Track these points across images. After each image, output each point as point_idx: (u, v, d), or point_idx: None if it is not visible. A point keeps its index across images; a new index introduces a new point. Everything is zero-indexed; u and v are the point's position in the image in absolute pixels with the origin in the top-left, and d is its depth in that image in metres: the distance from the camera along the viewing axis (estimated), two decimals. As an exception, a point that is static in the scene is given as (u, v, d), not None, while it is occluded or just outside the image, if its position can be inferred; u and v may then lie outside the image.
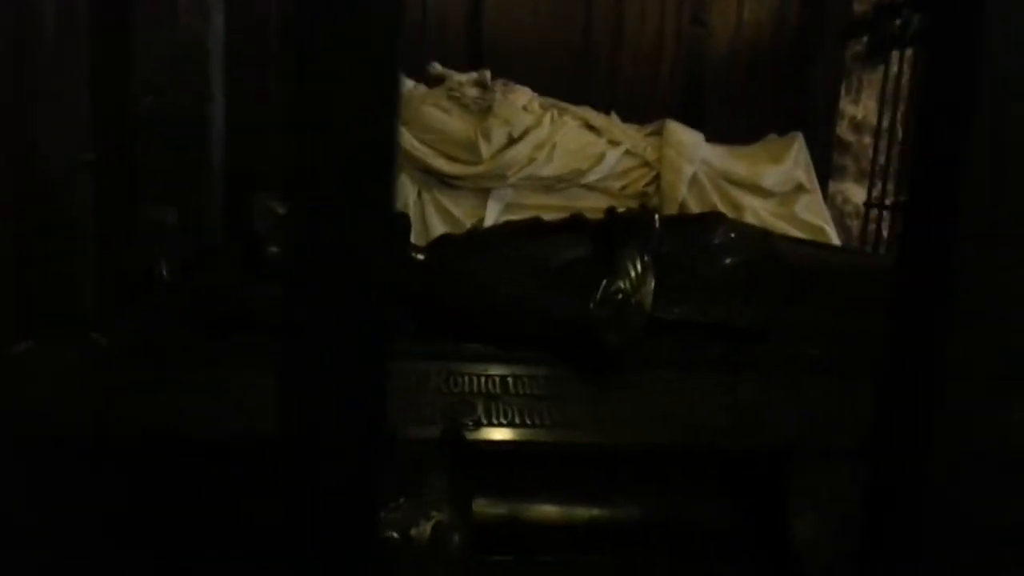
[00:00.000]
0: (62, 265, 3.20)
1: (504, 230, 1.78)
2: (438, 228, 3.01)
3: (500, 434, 1.30)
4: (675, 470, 1.34)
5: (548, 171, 3.13)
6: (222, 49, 3.82)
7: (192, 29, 3.66)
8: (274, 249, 1.58)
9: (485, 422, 1.30)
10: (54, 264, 3.11)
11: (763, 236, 1.73)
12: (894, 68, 3.77)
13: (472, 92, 3.25)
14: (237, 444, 1.22)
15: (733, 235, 1.65)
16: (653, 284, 1.45)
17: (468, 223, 3.03)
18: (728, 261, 1.61)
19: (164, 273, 1.84)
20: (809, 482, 1.30)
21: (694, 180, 3.18)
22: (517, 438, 1.29)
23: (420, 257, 1.70)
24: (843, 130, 4.03)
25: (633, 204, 3.18)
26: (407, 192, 3.08)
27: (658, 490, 1.35)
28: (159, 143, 3.64)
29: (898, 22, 3.70)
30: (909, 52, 3.69)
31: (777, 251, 1.65)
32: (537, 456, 1.32)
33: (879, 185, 3.78)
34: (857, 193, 4.00)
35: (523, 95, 3.26)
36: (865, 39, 3.95)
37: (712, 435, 1.34)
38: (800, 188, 3.28)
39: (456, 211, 3.07)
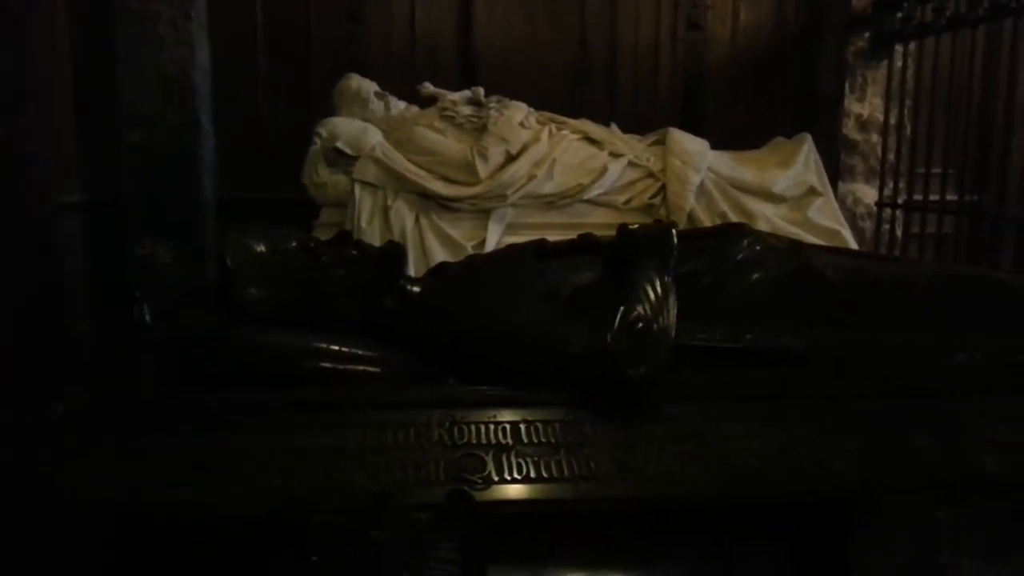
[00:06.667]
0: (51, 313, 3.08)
1: (507, 254, 1.63)
2: (438, 253, 2.89)
3: (514, 492, 1.13)
4: (719, 524, 1.18)
5: (549, 188, 3.01)
6: (208, 78, 3.73)
7: (177, 59, 3.56)
8: (253, 291, 1.44)
9: (496, 479, 1.13)
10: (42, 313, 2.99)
11: (793, 248, 1.57)
12: (898, 63, 3.67)
13: (466, 111, 3.14)
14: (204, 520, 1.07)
15: (759, 248, 1.50)
16: (676, 308, 1.30)
17: (469, 246, 2.91)
18: (756, 278, 1.46)
19: (147, 317, 1.69)
20: (879, 532, 1.14)
21: (702, 189, 3.06)
22: (534, 496, 1.12)
23: (415, 289, 1.56)
24: (850, 129, 3.92)
25: (639, 217, 3.06)
26: (404, 217, 2.96)
27: (699, 549, 1.19)
28: (149, 177, 3.53)
29: (899, 15, 3.60)
30: (913, 46, 3.58)
31: (811, 264, 1.49)
32: (558, 516, 1.16)
33: (890, 184, 3.66)
34: (868, 193, 3.89)
35: (519, 111, 3.14)
36: (867, 35, 3.83)
37: (762, 481, 1.17)
38: (812, 191, 3.15)
39: (456, 234, 2.95)
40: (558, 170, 3.02)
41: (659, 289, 1.32)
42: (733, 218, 3.01)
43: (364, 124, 3.12)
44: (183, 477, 1.15)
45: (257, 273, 1.47)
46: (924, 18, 3.43)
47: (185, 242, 3.61)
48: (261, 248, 1.50)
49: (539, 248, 1.58)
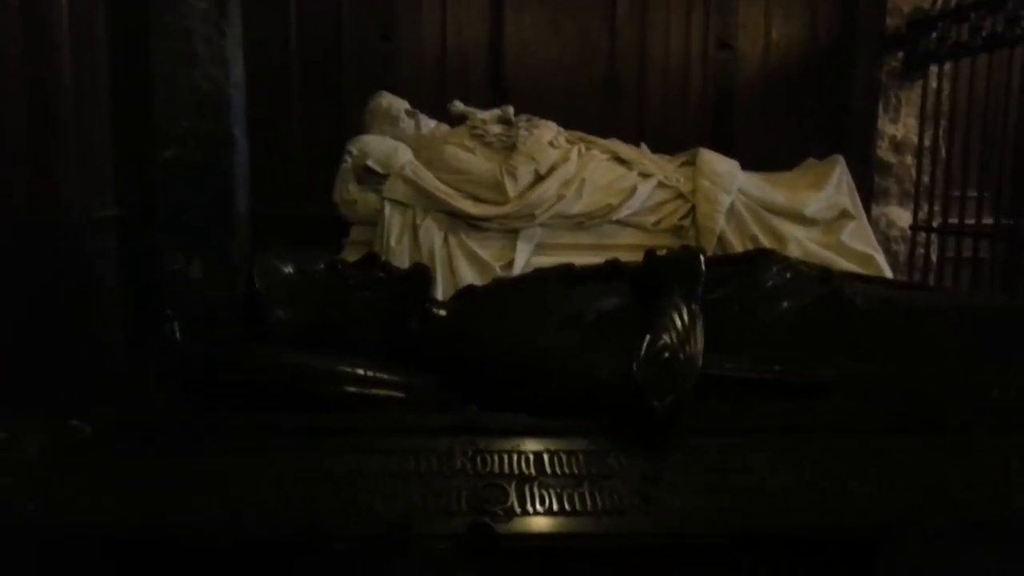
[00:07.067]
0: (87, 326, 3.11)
1: (533, 279, 1.63)
2: (466, 272, 2.89)
3: (537, 525, 1.12)
4: (743, 560, 1.16)
5: (578, 208, 3.00)
6: (243, 94, 3.76)
7: (211, 76, 3.59)
8: (280, 313, 1.45)
9: (519, 510, 1.12)
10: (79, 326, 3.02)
11: (823, 275, 1.55)
12: (933, 84, 3.62)
13: (496, 129, 3.15)
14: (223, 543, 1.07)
15: (789, 275, 1.48)
16: (703, 336, 1.28)
17: (497, 266, 2.91)
18: (785, 305, 1.44)
19: (177, 334, 1.71)
20: (908, 570, 1.11)
21: (732, 211, 3.03)
22: (556, 530, 1.11)
23: (441, 311, 1.55)
24: (883, 151, 3.88)
25: (668, 239, 3.05)
26: (433, 236, 2.97)
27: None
28: (183, 193, 3.57)
29: (934, 35, 3.56)
30: (948, 66, 3.54)
31: (841, 292, 1.47)
32: (581, 550, 1.14)
33: (924, 207, 3.62)
34: (902, 216, 3.84)
35: (548, 130, 3.14)
36: (901, 55, 3.79)
37: (787, 514, 1.15)
38: (845, 214, 3.11)
39: (484, 254, 2.95)
40: (587, 190, 3.01)
41: (686, 317, 1.30)
42: (764, 241, 2.98)
43: (395, 142, 3.14)
44: (199, 498, 1.15)
45: (285, 295, 1.48)
46: (959, 38, 3.39)
47: (217, 258, 3.64)
48: (289, 270, 1.51)
49: (565, 273, 1.58)
